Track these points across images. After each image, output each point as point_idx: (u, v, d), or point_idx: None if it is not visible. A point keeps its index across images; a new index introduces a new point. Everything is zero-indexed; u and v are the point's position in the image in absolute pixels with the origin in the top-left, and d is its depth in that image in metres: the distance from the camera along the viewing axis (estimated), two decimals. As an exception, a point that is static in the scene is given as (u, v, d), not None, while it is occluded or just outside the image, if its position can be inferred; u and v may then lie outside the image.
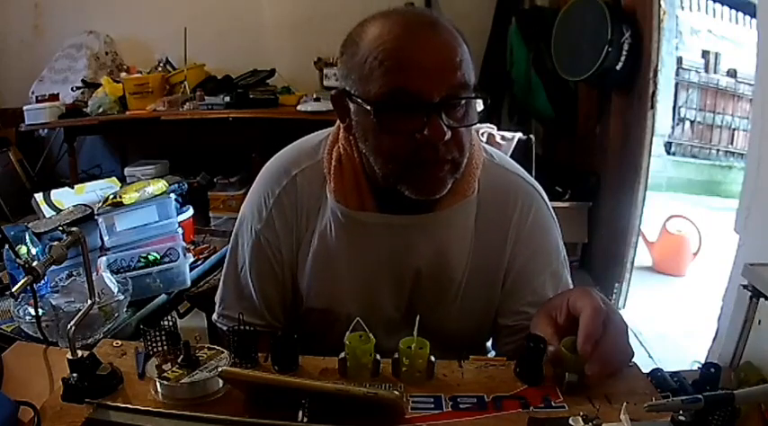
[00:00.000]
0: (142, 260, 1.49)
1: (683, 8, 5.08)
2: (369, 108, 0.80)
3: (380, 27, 0.80)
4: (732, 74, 4.99)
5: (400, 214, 0.92)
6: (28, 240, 1.36)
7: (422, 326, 0.87)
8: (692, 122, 5.16)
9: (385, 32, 0.79)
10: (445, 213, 0.92)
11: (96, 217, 1.53)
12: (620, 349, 0.78)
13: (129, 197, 1.56)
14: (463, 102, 0.82)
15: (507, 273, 0.97)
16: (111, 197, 1.57)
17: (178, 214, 1.68)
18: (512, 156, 1.08)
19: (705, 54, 5.07)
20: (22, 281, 0.80)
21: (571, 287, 0.99)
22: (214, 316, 1.05)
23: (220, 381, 0.78)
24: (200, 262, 1.66)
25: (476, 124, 0.86)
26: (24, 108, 3.49)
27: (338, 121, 0.94)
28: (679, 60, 4.95)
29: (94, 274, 1.31)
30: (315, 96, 3.38)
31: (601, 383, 0.75)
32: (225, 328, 1.00)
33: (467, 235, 0.95)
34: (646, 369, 0.83)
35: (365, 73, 0.80)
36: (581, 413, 0.69)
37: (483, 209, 0.95)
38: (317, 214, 0.96)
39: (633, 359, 0.84)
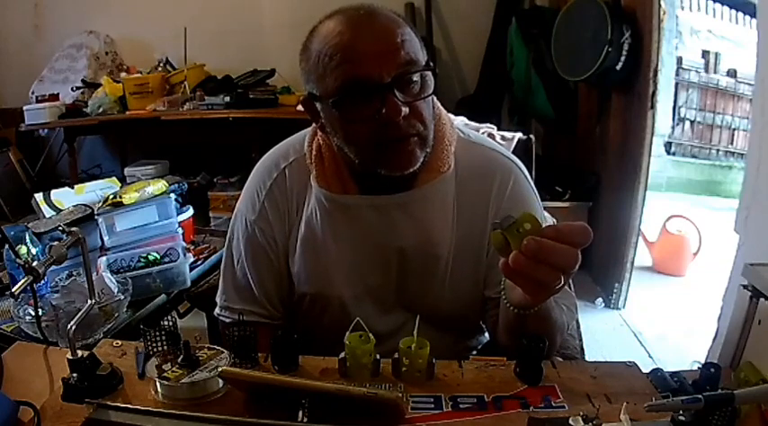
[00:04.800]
0: (142, 260, 1.49)
1: (683, 8, 5.08)
2: (330, 103, 0.85)
3: (325, 28, 0.86)
4: (732, 74, 4.98)
5: (381, 194, 0.96)
6: (28, 240, 1.36)
7: (416, 307, 0.89)
8: (692, 122, 5.16)
9: (329, 31, 0.85)
10: (423, 190, 0.96)
11: (96, 217, 1.52)
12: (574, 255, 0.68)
13: (129, 197, 1.56)
14: (415, 77, 0.86)
15: (489, 245, 0.99)
16: (111, 197, 1.57)
17: (178, 214, 1.68)
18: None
19: (705, 54, 5.06)
20: (22, 281, 0.80)
21: None
22: (216, 310, 1.08)
23: (220, 381, 0.78)
24: (200, 262, 1.66)
25: (431, 97, 0.90)
26: (24, 108, 3.49)
27: None
28: (679, 60, 4.94)
29: (94, 274, 1.31)
30: (315, 96, 3.38)
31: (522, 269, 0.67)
32: (228, 321, 1.04)
33: (447, 212, 0.98)
34: (646, 369, 0.83)
35: (320, 72, 0.86)
36: (581, 413, 0.69)
37: (462, 186, 0.98)
38: (305, 202, 1.01)
39: (634, 361, 0.85)
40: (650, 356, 2.41)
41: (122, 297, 1.30)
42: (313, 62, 0.86)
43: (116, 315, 1.29)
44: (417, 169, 0.91)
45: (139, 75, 3.63)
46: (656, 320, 2.69)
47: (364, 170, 0.92)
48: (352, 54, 0.82)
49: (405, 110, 0.83)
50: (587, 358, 1.16)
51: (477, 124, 1.35)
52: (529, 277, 0.68)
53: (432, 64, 0.88)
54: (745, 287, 0.84)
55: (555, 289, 0.71)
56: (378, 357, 0.82)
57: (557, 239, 0.67)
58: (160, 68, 3.70)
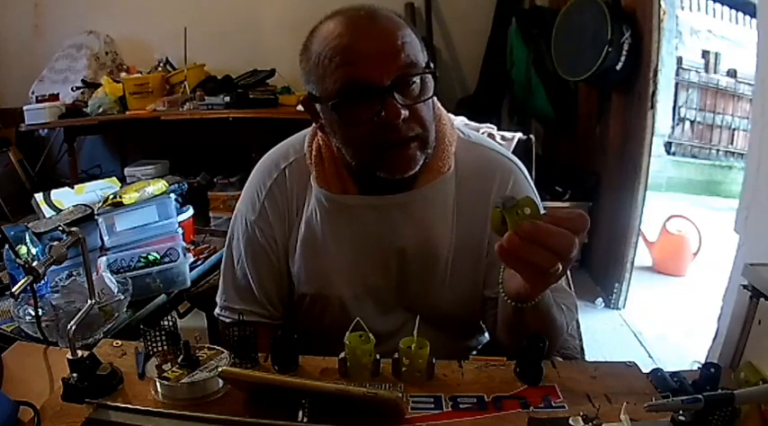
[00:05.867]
0: (142, 260, 1.49)
1: (683, 8, 5.08)
2: (329, 105, 0.85)
3: (326, 29, 0.86)
4: (732, 74, 4.98)
5: (381, 195, 0.96)
6: (28, 240, 1.36)
7: (416, 307, 0.89)
8: (692, 122, 5.16)
9: (329, 33, 0.85)
10: (423, 190, 0.96)
11: (96, 217, 1.52)
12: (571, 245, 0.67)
13: (129, 197, 1.56)
14: (416, 80, 0.85)
15: (489, 244, 0.99)
16: (111, 197, 1.56)
17: (178, 214, 1.68)
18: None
19: (705, 54, 5.06)
20: (22, 281, 0.80)
21: None
22: (216, 310, 1.08)
23: (220, 381, 0.78)
24: (200, 262, 1.66)
25: (431, 99, 0.89)
26: (24, 108, 3.49)
27: None
28: (679, 60, 4.95)
29: (94, 274, 1.31)
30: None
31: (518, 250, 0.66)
32: (228, 321, 1.04)
33: (447, 212, 0.98)
34: (646, 369, 0.83)
35: (320, 73, 0.86)
36: (581, 413, 0.69)
37: (462, 185, 0.99)
38: (305, 202, 1.01)
39: (634, 361, 0.85)
40: (650, 356, 2.41)
41: (122, 297, 1.30)
42: (313, 63, 0.86)
43: (116, 315, 1.29)
44: (417, 170, 0.91)
45: (139, 75, 3.63)
46: (656, 320, 2.69)
47: (362, 171, 0.93)
48: (351, 56, 0.82)
49: (404, 113, 0.83)
50: (587, 358, 1.16)
51: (477, 124, 1.35)
52: (524, 260, 0.67)
53: (432, 66, 0.88)
54: (745, 287, 0.84)
55: (552, 276, 0.70)
56: (378, 357, 0.82)
57: (554, 224, 0.66)
58: (160, 68, 3.70)
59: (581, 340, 1.18)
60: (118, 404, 0.75)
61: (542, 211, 0.69)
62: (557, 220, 0.67)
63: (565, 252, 0.66)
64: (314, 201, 0.99)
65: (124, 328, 1.31)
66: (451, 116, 1.07)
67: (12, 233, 1.37)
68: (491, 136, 1.30)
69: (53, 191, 1.73)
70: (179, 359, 0.79)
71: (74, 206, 1.60)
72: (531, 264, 0.68)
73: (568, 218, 0.67)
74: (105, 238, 1.53)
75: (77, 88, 3.71)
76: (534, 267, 0.68)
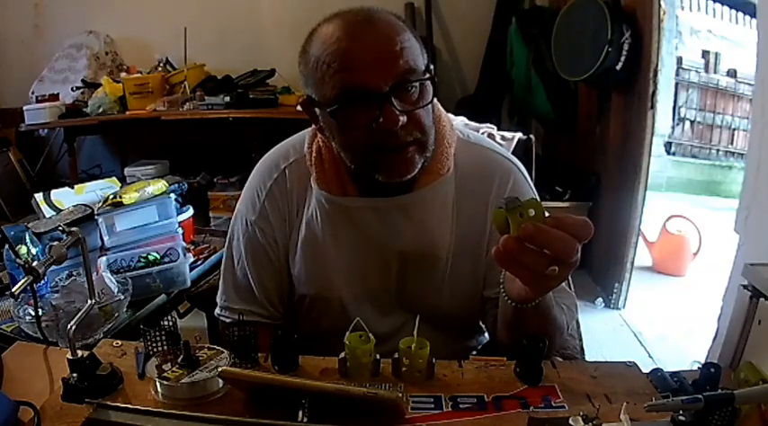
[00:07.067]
0: (142, 260, 1.49)
1: (683, 8, 5.08)
2: (327, 110, 0.85)
3: (324, 33, 0.85)
4: (732, 74, 4.98)
5: (380, 197, 0.96)
6: (28, 240, 1.36)
7: (416, 308, 0.89)
8: (692, 122, 5.16)
9: (327, 37, 0.84)
10: (422, 192, 0.96)
11: (96, 217, 1.52)
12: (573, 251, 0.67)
13: (129, 197, 1.56)
14: (415, 85, 0.85)
15: (489, 244, 0.99)
16: (111, 197, 1.56)
17: (178, 214, 1.68)
18: (512, 156, 1.08)
19: (705, 54, 5.07)
20: (22, 281, 0.80)
21: None
22: (217, 310, 1.08)
23: (220, 381, 0.78)
24: (200, 262, 1.66)
25: (431, 103, 0.89)
26: (24, 108, 3.49)
27: None
28: (679, 60, 4.95)
29: (94, 274, 1.31)
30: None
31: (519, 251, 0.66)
32: (228, 321, 1.04)
33: (446, 213, 0.98)
34: (646, 369, 0.83)
35: (318, 78, 0.85)
36: (581, 413, 0.69)
37: (461, 186, 0.99)
38: (305, 203, 1.01)
39: (634, 361, 0.85)
40: (650, 356, 2.41)
41: (122, 297, 1.30)
42: (311, 67, 0.86)
43: (116, 314, 1.29)
44: (417, 172, 0.91)
45: (139, 75, 3.63)
46: (656, 320, 2.69)
47: (362, 174, 0.93)
48: (349, 62, 0.81)
49: (402, 119, 0.82)
50: (587, 358, 1.16)
51: (477, 124, 1.35)
52: (520, 262, 0.67)
53: (432, 69, 0.87)
54: (745, 287, 0.84)
55: (552, 280, 0.70)
56: (378, 357, 0.82)
57: (556, 227, 0.66)
58: (160, 68, 3.70)
59: (581, 340, 1.18)
60: (118, 404, 0.75)
61: (546, 214, 0.69)
62: (560, 224, 0.66)
63: (564, 256, 0.66)
64: (314, 202, 0.99)
65: (124, 328, 1.31)
66: (451, 116, 1.06)
67: (12, 233, 1.37)
68: (491, 136, 1.30)
69: (53, 191, 1.73)
70: (179, 359, 0.79)
71: (74, 206, 1.60)
72: (526, 267, 0.67)
73: (572, 223, 0.67)
74: (105, 238, 1.53)
75: (77, 88, 3.71)
76: (530, 270, 0.68)
